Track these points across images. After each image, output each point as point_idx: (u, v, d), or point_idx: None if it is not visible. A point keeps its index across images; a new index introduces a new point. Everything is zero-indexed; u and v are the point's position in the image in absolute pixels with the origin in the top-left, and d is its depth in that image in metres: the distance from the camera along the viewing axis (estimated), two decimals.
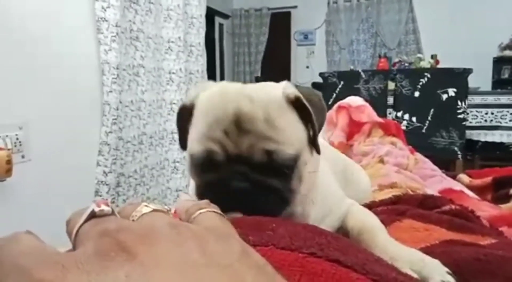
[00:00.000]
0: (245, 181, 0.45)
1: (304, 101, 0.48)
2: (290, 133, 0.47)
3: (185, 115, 0.51)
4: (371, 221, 0.53)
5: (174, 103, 2.12)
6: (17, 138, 1.33)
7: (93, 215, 0.22)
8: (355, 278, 0.29)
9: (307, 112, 0.48)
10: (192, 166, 0.49)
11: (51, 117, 1.45)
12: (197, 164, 0.48)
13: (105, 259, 0.19)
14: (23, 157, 1.36)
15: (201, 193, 0.48)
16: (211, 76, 3.29)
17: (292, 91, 0.49)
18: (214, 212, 0.27)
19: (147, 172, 1.96)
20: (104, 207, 0.23)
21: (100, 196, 1.63)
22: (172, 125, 2.14)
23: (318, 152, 0.51)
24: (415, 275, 0.40)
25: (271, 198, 0.46)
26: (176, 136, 2.29)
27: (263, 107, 0.46)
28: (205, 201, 0.28)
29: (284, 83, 0.51)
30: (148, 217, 0.24)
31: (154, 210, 0.24)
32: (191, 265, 0.19)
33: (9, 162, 1.24)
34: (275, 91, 0.49)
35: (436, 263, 0.42)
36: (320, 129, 0.51)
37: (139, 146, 1.88)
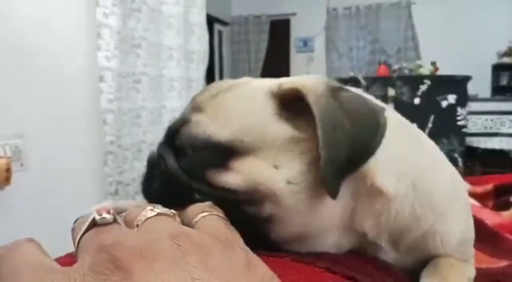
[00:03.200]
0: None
1: (309, 99, 0.31)
2: (233, 116, 0.35)
3: None
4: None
5: (175, 111, 2.12)
6: (16, 147, 1.33)
7: (94, 224, 0.22)
8: None
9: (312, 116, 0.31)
10: None
11: (50, 125, 1.45)
12: None
13: (100, 278, 0.18)
14: (22, 165, 1.35)
15: None
16: (210, 83, 3.29)
17: (288, 81, 0.36)
18: (218, 215, 0.26)
19: None
20: (105, 215, 0.22)
21: None
22: None
23: (332, 196, 0.31)
24: None
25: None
26: None
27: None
28: (208, 203, 0.27)
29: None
30: (152, 222, 0.23)
31: (158, 214, 0.24)
32: None
33: (8, 170, 1.23)
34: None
35: None
36: (357, 160, 0.32)
37: (137, 153, 1.87)
